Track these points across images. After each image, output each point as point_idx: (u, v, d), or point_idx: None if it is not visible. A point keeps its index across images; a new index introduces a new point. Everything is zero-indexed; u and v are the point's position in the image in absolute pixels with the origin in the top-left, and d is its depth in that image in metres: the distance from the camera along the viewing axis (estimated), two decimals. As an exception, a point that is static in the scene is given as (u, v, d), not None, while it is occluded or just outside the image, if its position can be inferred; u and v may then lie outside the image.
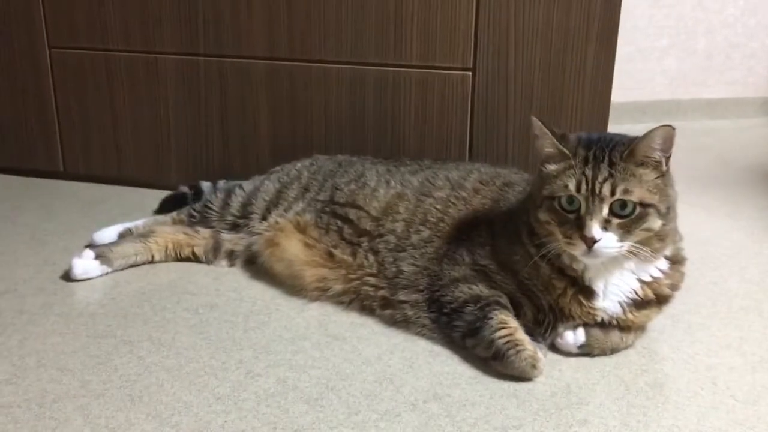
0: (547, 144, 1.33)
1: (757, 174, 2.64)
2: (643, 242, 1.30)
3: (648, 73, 3.27)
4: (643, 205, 1.27)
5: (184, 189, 2.08)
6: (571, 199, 1.29)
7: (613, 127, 1.93)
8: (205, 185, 2.08)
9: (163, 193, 2.22)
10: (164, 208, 2.03)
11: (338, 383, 1.30)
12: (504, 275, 1.42)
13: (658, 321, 1.48)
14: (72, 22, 2.19)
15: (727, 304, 1.63)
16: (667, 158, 1.31)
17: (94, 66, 2.23)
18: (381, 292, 1.52)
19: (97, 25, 2.18)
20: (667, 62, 3.27)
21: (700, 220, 2.13)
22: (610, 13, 1.85)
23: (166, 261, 1.78)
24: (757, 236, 2.04)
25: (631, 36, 3.14)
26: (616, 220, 1.27)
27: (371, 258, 1.57)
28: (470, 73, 1.97)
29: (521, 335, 1.33)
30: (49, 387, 1.28)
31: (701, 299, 1.64)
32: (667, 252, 1.39)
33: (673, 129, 1.27)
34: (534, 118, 1.33)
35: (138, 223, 1.88)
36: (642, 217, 1.28)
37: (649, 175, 1.29)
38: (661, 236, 1.32)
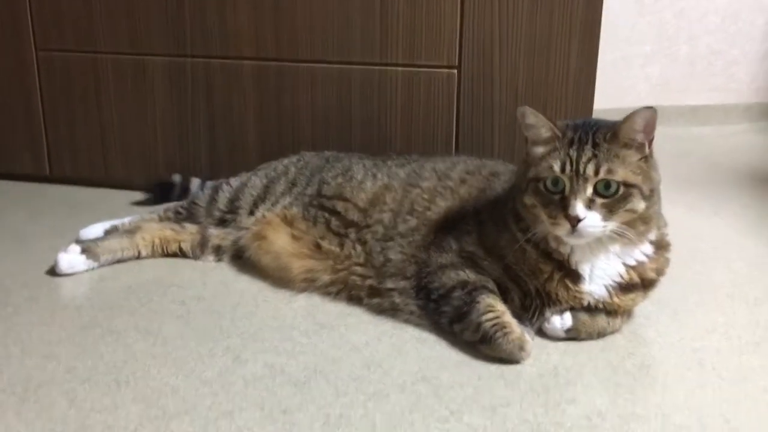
0: (542, 129, 1.34)
1: (741, 175, 2.66)
2: (627, 224, 1.31)
3: (631, 80, 3.31)
4: (627, 185, 1.28)
5: (175, 178, 2.09)
6: (556, 180, 1.30)
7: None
8: (194, 181, 2.08)
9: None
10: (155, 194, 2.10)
11: (326, 367, 1.30)
12: (491, 261, 1.43)
13: (645, 307, 1.49)
14: (59, 24, 2.20)
15: (713, 292, 1.64)
16: (650, 141, 1.33)
17: (82, 68, 2.23)
18: (368, 281, 1.53)
19: (84, 27, 2.18)
20: (650, 69, 3.31)
21: (685, 217, 2.15)
22: (592, 11, 1.88)
23: (152, 257, 1.78)
24: (742, 231, 2.06)
25: (614, 43, 3.18)
26: (600, 200, 1.28)
27: (359, 248, 1.57)
28: (456, 71, 1.99)
29: (508, 318, 1.33)
30: (34, 373, 1.27)
31: (688, 288, 1.65)
32: (652, 236, 1.40)
33: (655, 111, 1.29)
34: (525, 107, 1.34)
35: (125, 221, 1.87)
36: (625, 198, 1.29)
37: (632, 156, 1.30)
38: (645, 219, 1.34)
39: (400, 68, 2.03)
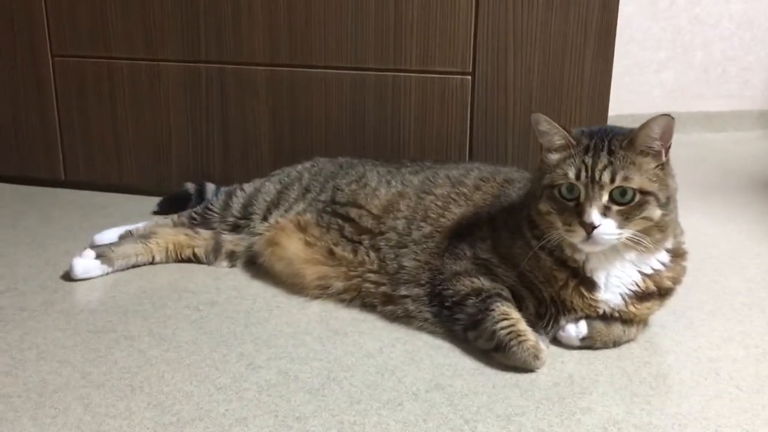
0: (555, 136, 1.34)
1: (756, 183, 2.65)
2: (643, 232, 1.30)
3: (645, 86, 3.30)
4: (643, 192, 1.28)
5: (189, 187, 2.08)
6: (571, 187, 1.30)
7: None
8: (209, 186, 2.09)
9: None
10: (164, 206, 2.04)
11: (340, 374, 1.30)
12: (505, 268, 1.42)
13: (660, 316, 1.48)
14: (75, 30, 2.21)
15: (729, 301, 1.63)
16: (667, 148, 1.32)
17: (97, 74, 2.24)
18: (382, 289, 1.52)
19: (99, 33, 2.20)
20: (665, 75, 3.30)
21: (700, 224, 2.13)
22: (608, 18, 1.87)
23: (166, 262, 1.78)
24: (757, 239, 2.04)
25: (629, 49, 3.17)
26: (615, 207, 1.27)
27: (372, 255, 1.57)
28: (470, 77, 1.99)
29: (523, 326, 1.32)
30: (49, 378, 1.27)
31: (703, 297, 1.64)
32: (668, 244, 1.39)
33: (672, 119, 1.28)
34: (538, 114, 1.34)
35: (139, 226, 1.88)
36: (641, 205, 1.28)
37: (648, 163, 1.29)
38: (661, 227, 1.33)
39: (413, 74, 2.03)
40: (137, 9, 2.15)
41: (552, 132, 1.35)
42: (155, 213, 2.11)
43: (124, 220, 2.01)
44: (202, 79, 2.18)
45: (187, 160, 2.26)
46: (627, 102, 3.21)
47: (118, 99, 2.26)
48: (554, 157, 1.35)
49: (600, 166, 1.28)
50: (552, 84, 1.94)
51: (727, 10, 3.24)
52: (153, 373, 1.29)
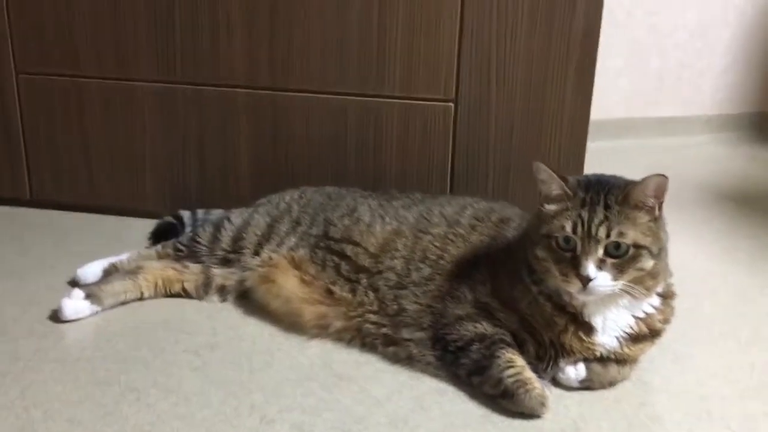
0: (554, 187, 1.39)
1: (710, 194, 2.76)
2: (636, 281, 1.36)
3: (603, 92, 3.37)
4: (637, 246, 1.34)
5: (170, 219, 2.04)
6: (567, 240, 1.35)
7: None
8: (185, 214, 2.06)
9: (138, 221, 2.20)
10: (157, 238, 2.00)
11: (353, 427, 1.32)
12: (506, 313, 1.46)
13: (648, 351, 1.55)
14: (41, 47, 2.14)
15: (706, 330, 1.72)
16: (660, 203, 1.38)
17: (65, 92, 2.17)
18: (383, 330, 1.54)
19: (67, 50, 2.13)
20: (621, 82, 3.39)
21: (671, 246, 2.22)
22: (588, 47, 1.92)
23: (155, 297, 1.76)
24: (720, 259, 2.14)
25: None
26: (610, 260, 1.33)
27: (371, 295, 1.58)
28: (452, 104, 2.01)
29: (529, 373, 1.37)
30: (60, 442, 1.25)
31: (683, 325, 1.69)
32: (659, 289, 1.46)
33: (666, 178, 1.34)
34: (539, 164, 1.38)
35: (122, 258, 1.84)
36: (635, 258, 1.34)
37: (642, 218, 1.35)
38: (653, 275, 1.39)
39: (396, 100, 2.03)
40: (108, 26, 2.09)
41: (550, 181, 1.39)
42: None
43: (101, 246, 1.99)
44: (178, 99, 2.13)
45: (163, 181, 2.22)
46: (585, 108, 3.29)
47: (88, 118, 2.19)
48: (552, 207, 1.40)
49: (596, 221, 1.33)
50: (533, 111, 1.97)
51: (682, 19, 3.34)
52: (167, 432, 1.29)
